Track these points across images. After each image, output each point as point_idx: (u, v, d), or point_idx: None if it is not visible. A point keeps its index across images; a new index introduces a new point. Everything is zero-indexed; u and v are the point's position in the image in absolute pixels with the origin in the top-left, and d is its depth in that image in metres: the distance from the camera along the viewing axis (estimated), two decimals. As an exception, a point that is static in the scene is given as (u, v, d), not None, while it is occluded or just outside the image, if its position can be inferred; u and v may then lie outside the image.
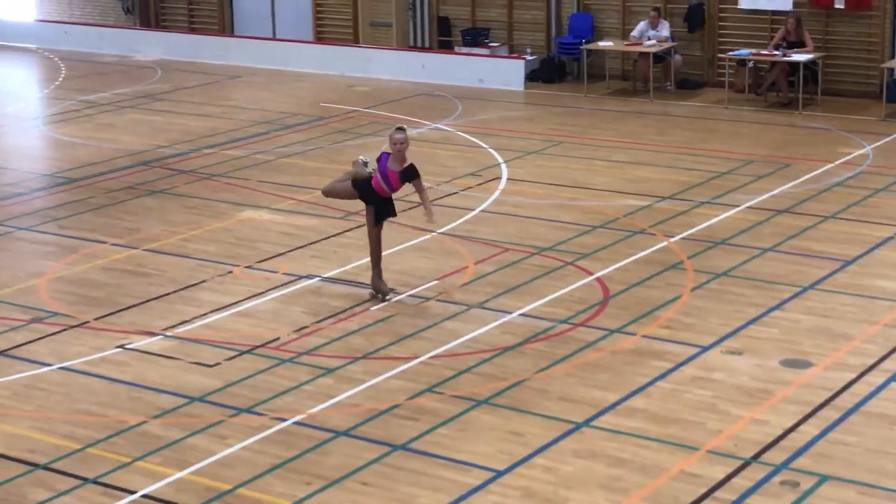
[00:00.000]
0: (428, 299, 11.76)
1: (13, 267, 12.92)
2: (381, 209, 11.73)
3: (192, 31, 26.52)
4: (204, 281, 12.35)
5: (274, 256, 13.02)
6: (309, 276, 12.39)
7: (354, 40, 24.60)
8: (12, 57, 26.22)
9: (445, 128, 18.87)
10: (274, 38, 25.54)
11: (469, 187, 15.56)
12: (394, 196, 11.76)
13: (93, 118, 20.00)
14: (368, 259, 12.04)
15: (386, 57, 23.41)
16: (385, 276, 12.03)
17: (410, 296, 11.83)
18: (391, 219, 11.98)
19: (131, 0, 27.35)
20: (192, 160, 17.13)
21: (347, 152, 17.41)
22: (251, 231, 13.96)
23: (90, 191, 15.63)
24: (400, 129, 11.51)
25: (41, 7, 28.86)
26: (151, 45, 25.78)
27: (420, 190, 11.54)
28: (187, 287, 12.18)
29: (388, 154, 11.54)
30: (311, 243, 13.44)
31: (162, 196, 15.41)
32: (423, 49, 23.94)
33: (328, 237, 13.66)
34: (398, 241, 13.37)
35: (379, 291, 11.85)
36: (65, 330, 11.12)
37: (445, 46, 23.78)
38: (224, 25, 26.43)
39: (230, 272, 12.59)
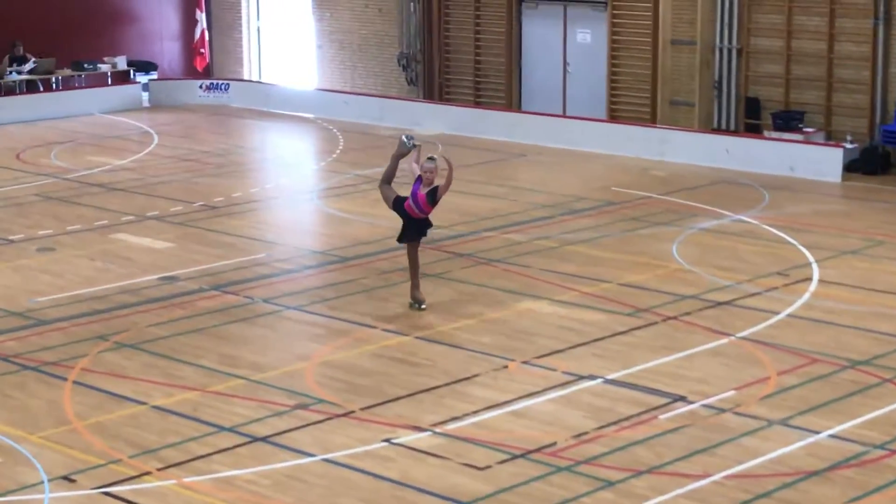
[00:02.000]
0: (723, 411, 11.54)
1: (280, 348, 13.43)
2: (416, 229, 14.38)
3: (478, 105, 27.17)
4: (477, 375, 12.50)
5: (553, 352, 13.06)
6: (590, 377, 12.37)
7: (652, 120, 24.64)
8: (291, 126, 27.48)
9: (749, 220, 18.60)
10: (564, 116, 25.86)
11: (774, 288, 15.25)
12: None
13: (368, 194, 20.65)
14: (657, 362, 12.43)
15: (686, 139, 23.33)
16: (677, 382, 12.03)
17: (703, 406, 11.64)
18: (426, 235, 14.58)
19: (415, 71, 28.30)
20: (469, 243, 17.46)
21: (639, 242, 17.38)
22: (530, 323, 14.07)
23: (362, 271, 16.12)
24: (431, 158, 14.28)
25: (323, 76, 30.19)
26: (434, 119, 26.51)
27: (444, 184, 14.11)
28: (459, 380, 12.35)
29: (421, 179, 14.15)
30: (594, 340, 13.43)
31: (436, 280, 15.73)
32: (727, 132, 23.74)
33: (614, 334, 13.62)
34: (691, 344, 13.22)
35: (416, 301, 14.43)
36: (330, 419, 11.45)
37: (753, 130, 23.52)
38: (511, 100, 26.98)
39: (505, 367, 12.70)
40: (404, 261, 16.46)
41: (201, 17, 30.91)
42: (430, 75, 28.24)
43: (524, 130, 25.19)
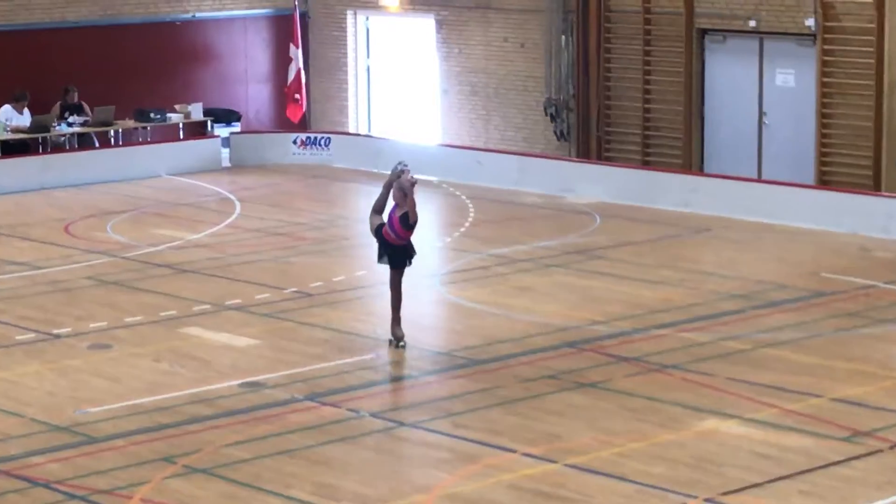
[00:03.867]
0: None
1: (394, 476, 13.43)
2: (399, 255, 17.00)
3: (646, 165, 27.16)
4: (647, 515, 12.42)
5: (747, 487, 12.92)
6: (796, 520, 12.22)
7: (874, 186, 24.42)
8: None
9: None
10: (759, 180, 25.74)
11: None
12: None
13: (506, 279, 20.71)
14: (883, 502, 12.34)
15: (919, 211, 23.14)
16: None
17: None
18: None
19: (567, 122, 28.36)
20: (637, 343, 17.39)
21: (858, 344, 17.17)
22: (715, 448, 13.94)
23: (497, 378, 16.11)
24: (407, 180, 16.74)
25: (449, 128, 30.38)
26: (590, 183, 26.53)
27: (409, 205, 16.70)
28: (623, 522, 12.30)
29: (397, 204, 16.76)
30: (800, 472, 13.26)
31: (594, 391, 15.68)
32: (974, 201, 23.47)
33: (825, 465, 13.43)
34: None
35: (395, 338, 16.95)
36: (455, 569, 11.44)
37: None
38: (691, 160, 26.92)
39: (684, 505, 12.60)
40: (553, 365, 16.52)
41: (297, 54, 30.85)
42: (585, 127, 28.34)
43: (707, 199, 25.10)
